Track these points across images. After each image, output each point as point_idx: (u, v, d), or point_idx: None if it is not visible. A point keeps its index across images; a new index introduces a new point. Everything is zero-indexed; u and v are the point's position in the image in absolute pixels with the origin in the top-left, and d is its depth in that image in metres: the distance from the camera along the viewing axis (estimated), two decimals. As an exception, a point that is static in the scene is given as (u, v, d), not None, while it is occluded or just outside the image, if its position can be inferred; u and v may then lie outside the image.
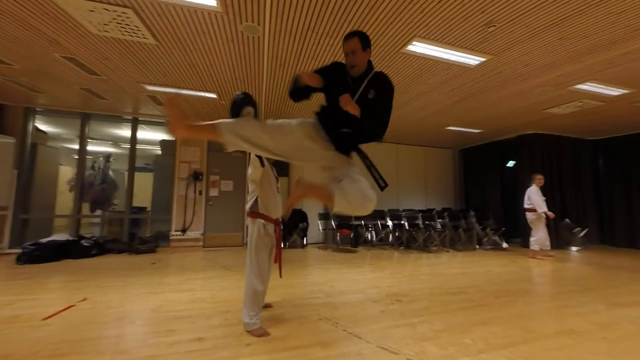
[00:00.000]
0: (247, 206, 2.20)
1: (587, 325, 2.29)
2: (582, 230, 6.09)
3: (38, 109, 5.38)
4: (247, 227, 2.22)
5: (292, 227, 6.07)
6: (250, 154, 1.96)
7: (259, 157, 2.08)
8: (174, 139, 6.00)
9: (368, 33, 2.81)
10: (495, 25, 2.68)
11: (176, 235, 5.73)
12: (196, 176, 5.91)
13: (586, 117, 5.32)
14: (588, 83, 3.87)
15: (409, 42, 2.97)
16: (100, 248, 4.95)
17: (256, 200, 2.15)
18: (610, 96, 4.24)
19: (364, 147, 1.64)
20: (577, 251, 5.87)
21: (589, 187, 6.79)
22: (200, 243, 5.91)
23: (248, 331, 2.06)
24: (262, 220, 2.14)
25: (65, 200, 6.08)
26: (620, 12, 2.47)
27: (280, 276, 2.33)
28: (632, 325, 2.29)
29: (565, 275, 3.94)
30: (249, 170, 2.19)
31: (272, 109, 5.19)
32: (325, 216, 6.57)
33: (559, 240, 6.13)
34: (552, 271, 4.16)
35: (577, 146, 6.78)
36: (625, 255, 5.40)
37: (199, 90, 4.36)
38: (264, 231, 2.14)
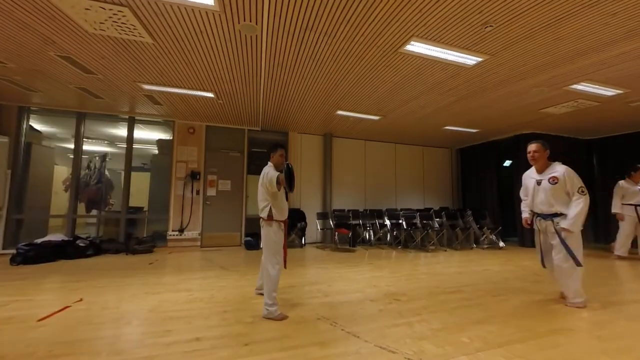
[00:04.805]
0: (264, 214, 2.51)
1: (583, 323, 2.31)
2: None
3: (32, 108, 5.32)
4: (261, 229, 2.56)
5: (290, 227, 6.06)
6: (267, 173, 2.47)
7: (277, 181, 2.40)
8: (171, 138, 5.98)
9: (366, 33, 2.85)
10: (492, 26, 2.70)
11: (173, 235, 5.70)
12: (194, 176, 5.88)
13: (581, 117, 5.37)
14: (583, 83, 3.91)
15: (406, 41, 2.98)
16: (96, 248, 4.91)
17: (271, 208, 2.50)
18: (605, 96, 4.29)
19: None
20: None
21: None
22: (198, 243, 5.88)
23: (269, 318, 2.32)
24: (277, 222, 2.55)
25: (60, 200, 6.02)
26: (614, 13, 2.50)
27: (285, 267, 2.55)
28: (627, 323, 2.32)
29: (560, 274, 3.97)
30: (265, 187, 2.50)
31: (270, 109, 5.17)
32: (323, 216, 6.58)
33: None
34: (547, 270, 4.18)
35: (572, 146, 6.85)
36: (620, 254, 5.45)
37: (197, 89, 4.34)
38: (278, 227, 2.54)
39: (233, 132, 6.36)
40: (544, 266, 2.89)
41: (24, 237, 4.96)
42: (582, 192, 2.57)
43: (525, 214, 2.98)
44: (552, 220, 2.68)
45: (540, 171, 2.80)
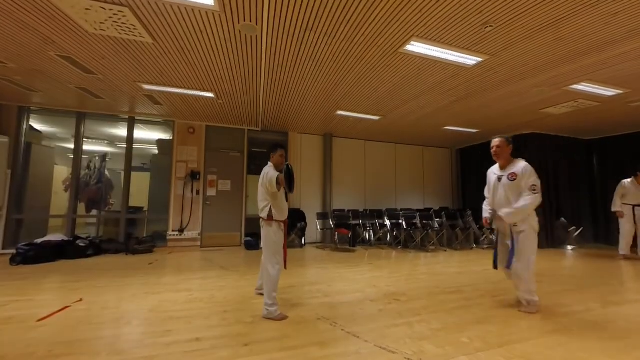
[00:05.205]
0: (264, 214, 2.52)
1: (582, 324, 2.31)
2: (576, 230, 6.15)
3: (33, 108, 5.32)
4: (261, 229, 2.57)
5: (290, 227, 6.06)
6: (267, 173, 2.49)
7: (277, 181, 2.41)
8: (171, 138, 5.98)
9: (366, 33, 2.85)
10: (492, 26, 2.69)
11: (173, 235, 5.70)
12: (194, 176, 5.88)
13: (581, 117, 5.37)
14: (583, 83, 3.90)
15: (407, 42, 2.98)
16: (96, 248, 4.91)
17: (270, 208, 2.51)
18: (605, 96, 4.28)
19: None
20: (572, 250, 5.93)
21: (584, 186, 6.86)
22: (198, 243, 5.88)
23: (269, 318, 2.32)
24: (277, 223, 2.56)
25: (60, 200, 6.02)
26: (614, 13, 2.50)
27: (285, 268, 2.56)
28: (627, 324, 2.32)
29: (560, 274, 3.98)
30: (265, 187, 2.51)
31: (270, 109, 5.17)
32: (323, 216, 6.58)
33: (554, 239, 6.19)
34: (547, 270, 4.19)
35: (573, 146, 6.84)
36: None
37: (197, 89, 4.33)
38: (278, 227, 2.55)
39: (233, 132, 6.36)
40: (495, 267, 2.75)
41: (24, 237, 4.95)
42: (534, 190, 2.47)
43: (485, 214, 2.87)
44: None
45: (502, 167, 2.73)
